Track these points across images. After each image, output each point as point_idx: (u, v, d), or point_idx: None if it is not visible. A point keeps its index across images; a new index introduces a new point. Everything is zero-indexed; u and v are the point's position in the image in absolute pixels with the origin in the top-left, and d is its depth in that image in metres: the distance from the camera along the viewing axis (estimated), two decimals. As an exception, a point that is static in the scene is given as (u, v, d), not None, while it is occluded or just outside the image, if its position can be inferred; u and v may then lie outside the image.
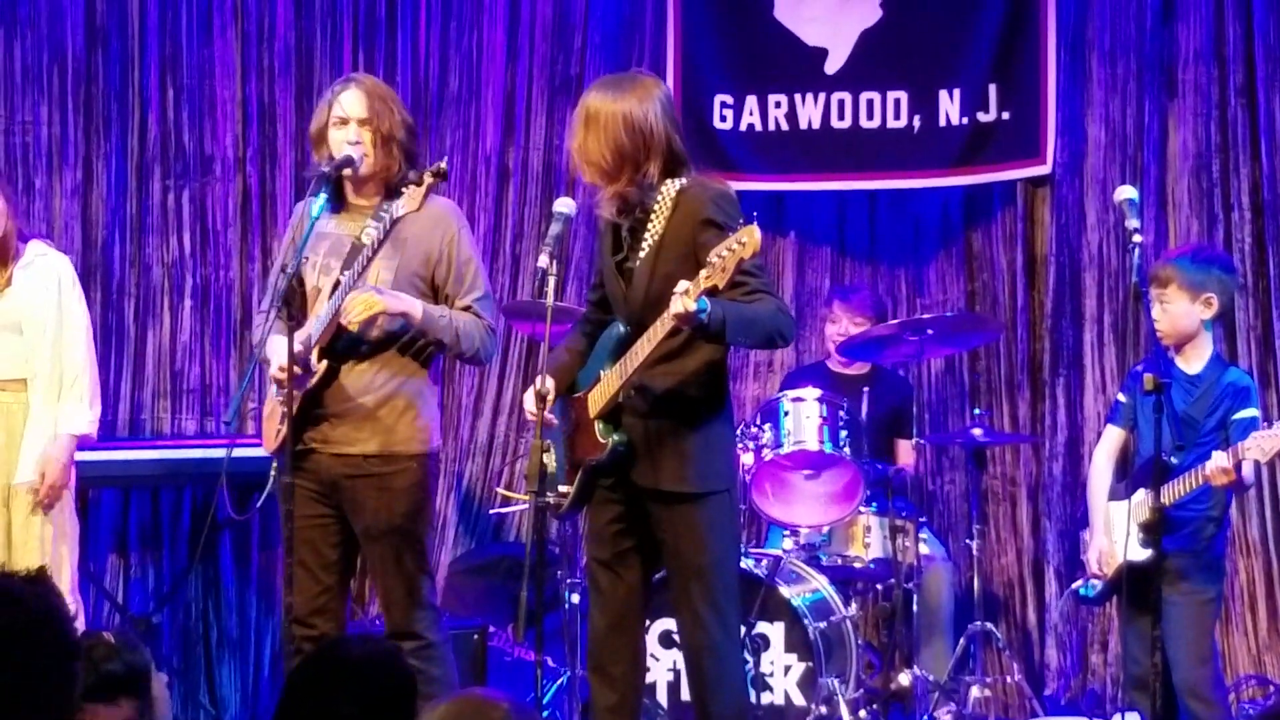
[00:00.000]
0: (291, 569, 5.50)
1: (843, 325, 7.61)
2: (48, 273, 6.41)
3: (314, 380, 5.55)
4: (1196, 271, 5.93)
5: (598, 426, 5.21)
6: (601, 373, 5.22)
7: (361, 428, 5.59)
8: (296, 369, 5.44)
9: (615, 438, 5.18)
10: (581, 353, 5.41)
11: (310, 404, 5.59)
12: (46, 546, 6.30)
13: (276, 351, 5.48)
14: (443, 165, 5.35)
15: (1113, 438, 6.28)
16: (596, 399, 5.21)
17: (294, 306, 5.41)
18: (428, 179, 5.34)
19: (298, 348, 5.44)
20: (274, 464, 5.62)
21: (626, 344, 5.16)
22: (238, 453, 5.95)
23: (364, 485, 5.58)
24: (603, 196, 5.21)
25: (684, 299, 4.81)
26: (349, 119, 5.61)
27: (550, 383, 5.12)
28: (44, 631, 3.08)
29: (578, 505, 5.32)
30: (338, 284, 5.50)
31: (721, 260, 4.77)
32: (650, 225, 5.17)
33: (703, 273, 4.81)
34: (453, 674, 5.69)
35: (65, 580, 6.33)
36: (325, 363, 5.54)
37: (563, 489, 5.30)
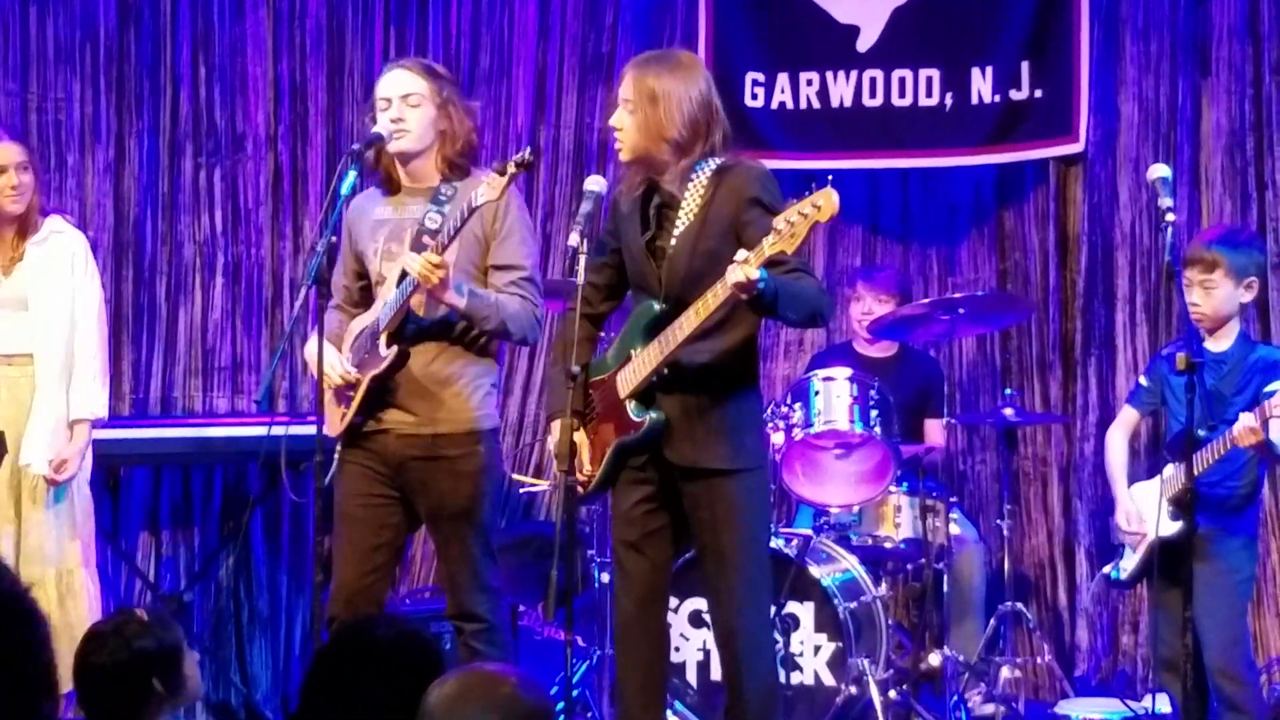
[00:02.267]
0: (323, 548, 5.51)
1: (867, 304, 7.59)
2: (61, 251, 6.41)
3: (383, 368, 5.54)
4: (1241, 256, 5.91)
5: (630, 406, 5.20)
6: (632, 352, 5.21)
7: (430, 409, 5.59)
8: (365, 355, 5.53)
9: (652, 415, 5.17)
10: (590, 338, 5.39)
11: (379, 386, 5.59)
12: (59, 524, 6.32)
13: (342, 340, 5.56)
14: (527, 154, 5.26)
15: (1129, 418, 6.31)
16: (629, 378, 5.20)
17: (327, 285, 5.42)
18: (511, 168, 5.25)
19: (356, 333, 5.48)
20: (337, 446, 5.65)
21: (662, 322, 5.14)
22: (274, 431, 5.97)
23: (432, 467, 5.58)
24: (632, 178, 5.21)
25: (745, 268, 4.81)
26: (391, 99, 5.62)
27: (575, 368, 5.11)
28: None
29: (604, 487, 5.31)
30: (405, 273, 5.48)
31: (791, 226, 4.78)
32: (684, 203, 5.17)
33: (767, 239, 4.81)
34: (511, 658, 5.70)
35: (75, 557, 6.35)
36: (395, 348, 5.53)
37: (586, 472, 5.30)
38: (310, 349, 5.55)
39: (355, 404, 5.59)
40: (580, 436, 5.22)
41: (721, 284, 4.89)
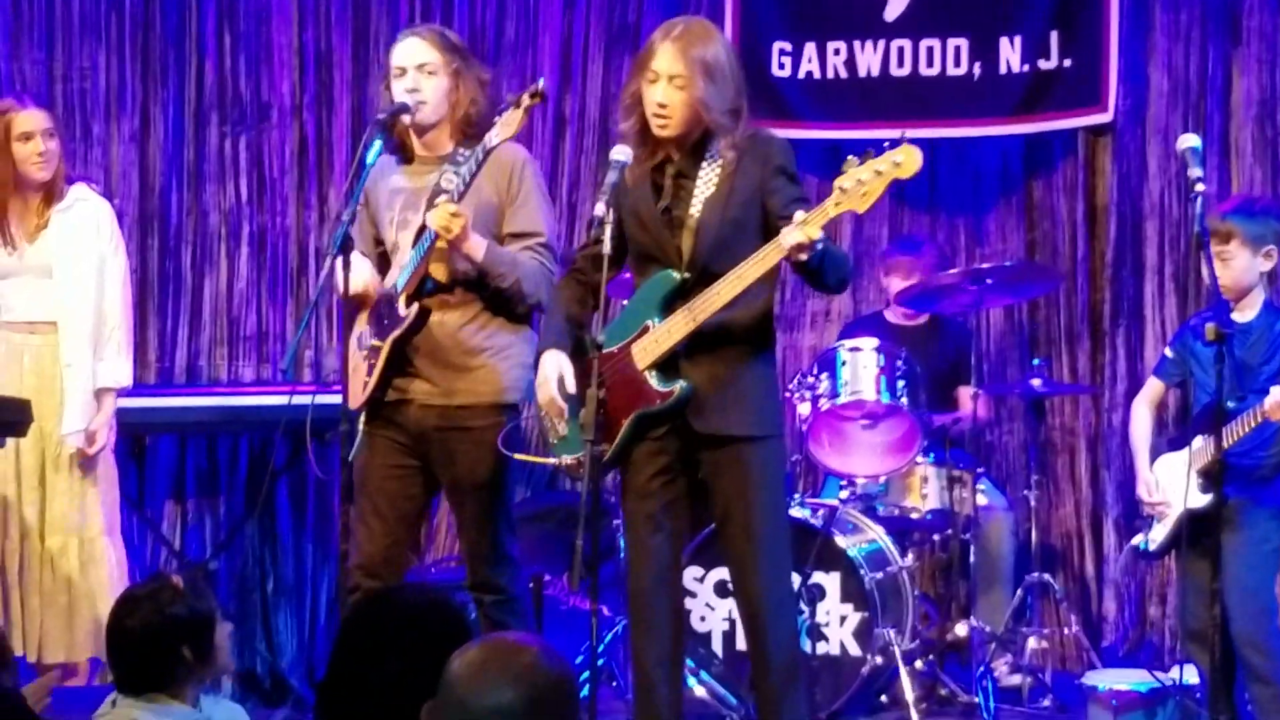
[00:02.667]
0: (348, 517, 5.51)
1: (906, 273, 7.53)
2: (85, 219, 6.42)
3: (404, 327, 5.52)
4: (1257, 225, 5.88)
5: (650, 376, 5.18)
6: (649, 323, 5.19)
7: (454, 379, 5.57)
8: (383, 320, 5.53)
9: (682, 384, 5.15)
10: (587, 307, 5.34)
11: (401, 355, 5.57)
12: (83, 491, 6.35)
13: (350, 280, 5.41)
14: (540, 86, 5.24)
15: (1154, 390, 6.30)
16: (649, 349, 5.17)
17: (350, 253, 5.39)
18: (526, 100, 5.25)
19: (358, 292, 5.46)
20: (361, 418, 5.63)
21: (684, 291, 5.13)
22: (296, 400, 5.98)
23: (455, 437, 5.57)
24: (649, 147, 5.18)
25: (805, 228, 4.83)
26: (406, 68, 5.58)
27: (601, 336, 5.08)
28: None
29: (618, 460, 5.28)
30: (423, 229, 5.46)
31: (861, 185, 4.81)
32: (702, 173, 5.15)
33: (830, 200, 4.86)
34: (530, 628, 5.70)
35: (98, 524, 6.37)
36: (416, 306, 5.50)
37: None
38: None
39: (378, 371, 5.56)
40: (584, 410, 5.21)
41: (774, 246, 4.91)
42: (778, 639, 5.22)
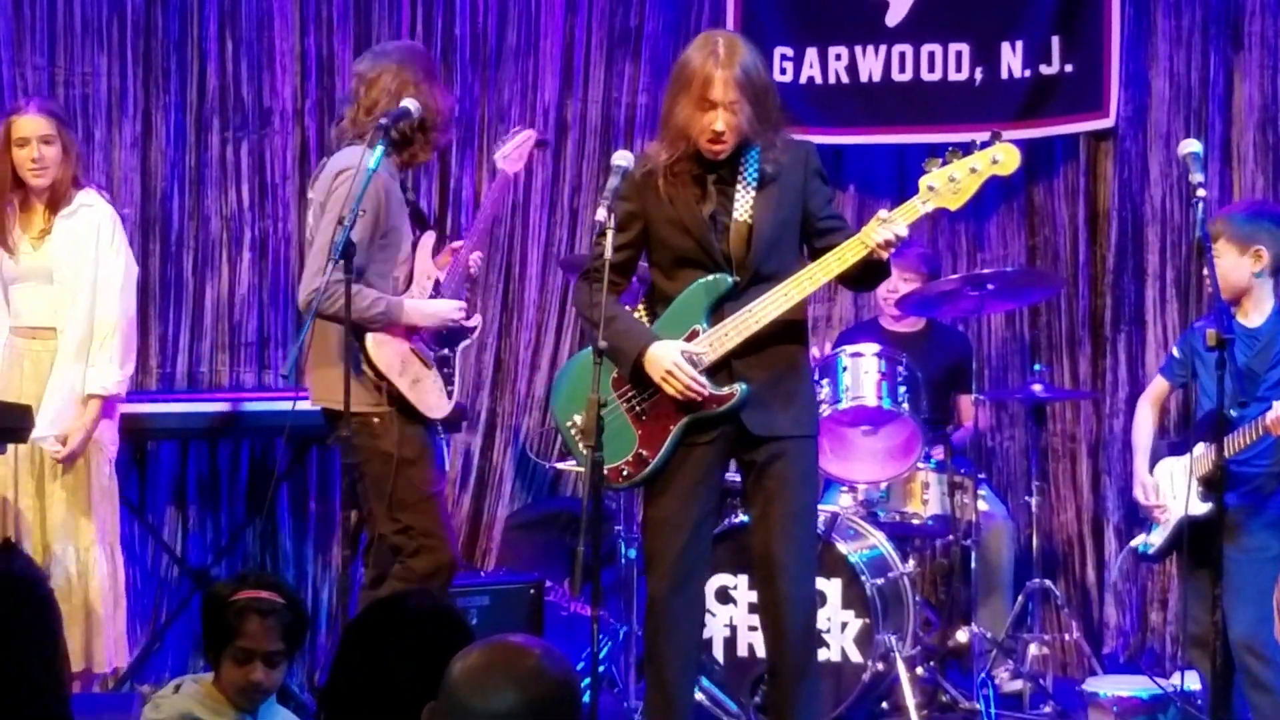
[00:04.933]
0: (349, 522, 5.53)
1: (893, 281, 7.55)
2: (88, 224, 6.39)
3: (474, 336, 6.01)
4: (1244, 224, 5.91)
5: (704, 380, 5.23)
6: (698, 327, 5.23)
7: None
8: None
9: (741, 386, 5.22)
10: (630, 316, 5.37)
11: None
12: (74, 500, 6.32)
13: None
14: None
15: (1159, 388, 6.35)
16: (706, 353, 5.23)
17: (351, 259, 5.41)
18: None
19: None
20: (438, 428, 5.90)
21: (738, 294, 5.21)
22: (298, 406, 6.01)
23: None
24: (680, 154, 5.21)
25: (893, 226, 5.02)
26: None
27: (673, 346, 5.18)
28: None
29: (664, 462, 5.31)
30: (441, 242, 5.96)
31: (954, 183, 4.96)
32: (742, 177, 5.19)
33: (917, 198, 5.10)
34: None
35: (91, 534, 6.34)
36: (478, 315, 5.93)
37: (632, 456, 5.30)
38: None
39: (457, 378, 5.95)
40: (621, 421, 5.23)
41: (858, 244, 5.07)
42: (804, 635, 5.32)
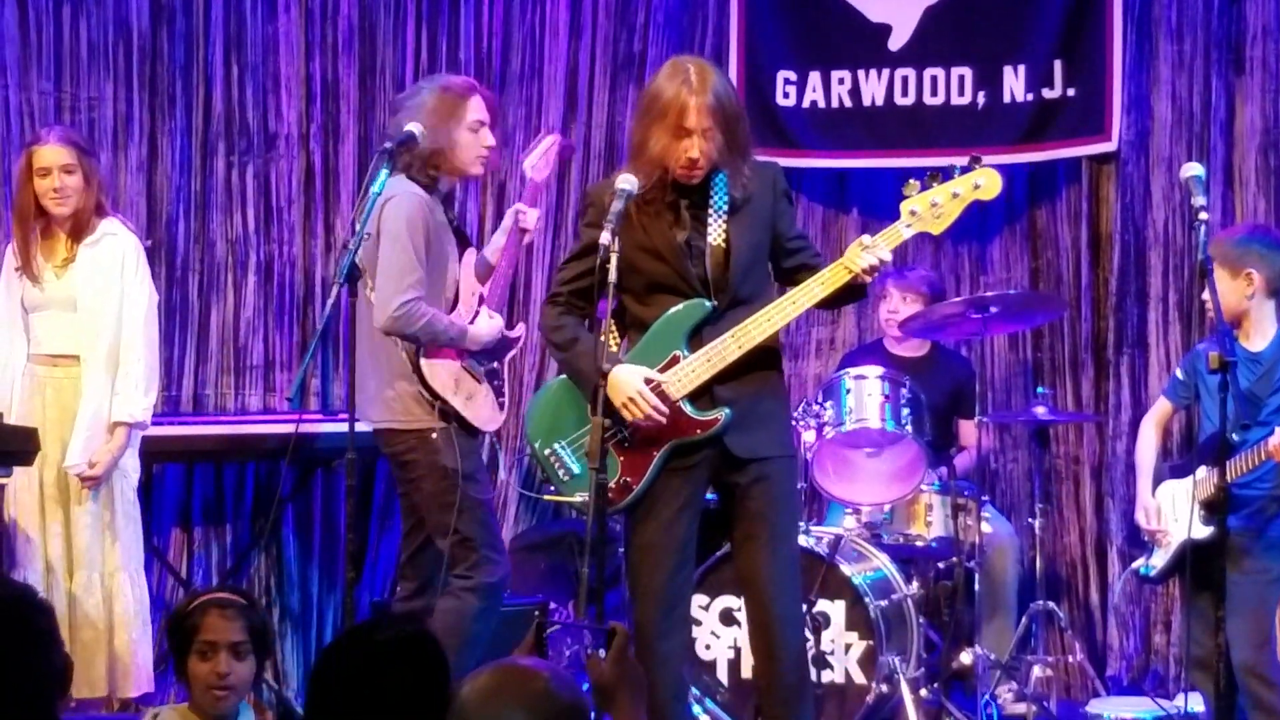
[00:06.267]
0: (354, 545, 5.57)
1: (894, 303, 7.58)
2: (112, 253, 6.44)
3: (519, 347, 6.27)
4: (1235, 248, 5.95)
5: (686, 406, 5.24)
6: (678, 353, 5.24)
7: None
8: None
9: (725, 411, 5.24)
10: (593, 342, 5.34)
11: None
12: (99, 526, 6.35)
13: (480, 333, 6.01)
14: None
15: (1163, 409, 6.38)
16: (685, 379, 5.25)
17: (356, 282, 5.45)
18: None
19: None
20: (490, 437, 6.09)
21: (717, 319, 5.22)
22: (303, 429, 6.07)
23: None
24: (653, 180, 5.22)
25: (877, 250, 5.08)
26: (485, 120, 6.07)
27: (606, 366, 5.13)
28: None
29: (648, 488, 5.31)
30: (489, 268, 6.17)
31: (936, 208, 4.95)
32: (713, 201, 5.21)
33: (900, 223, 5.14)
34: None
35: (117, 559, 6.37)
36: (521, 325, 6.19)
37: (615, 483, 5.30)
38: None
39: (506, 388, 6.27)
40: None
41: (840, 269, 5.12)
42: (792, 655, 5.33)
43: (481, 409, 6.02)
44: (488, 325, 6.00)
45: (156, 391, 6.60)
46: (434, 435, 5.88)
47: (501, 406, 6.12)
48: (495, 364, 6.11)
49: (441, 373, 5.93)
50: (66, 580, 6.31)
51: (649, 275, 5.30)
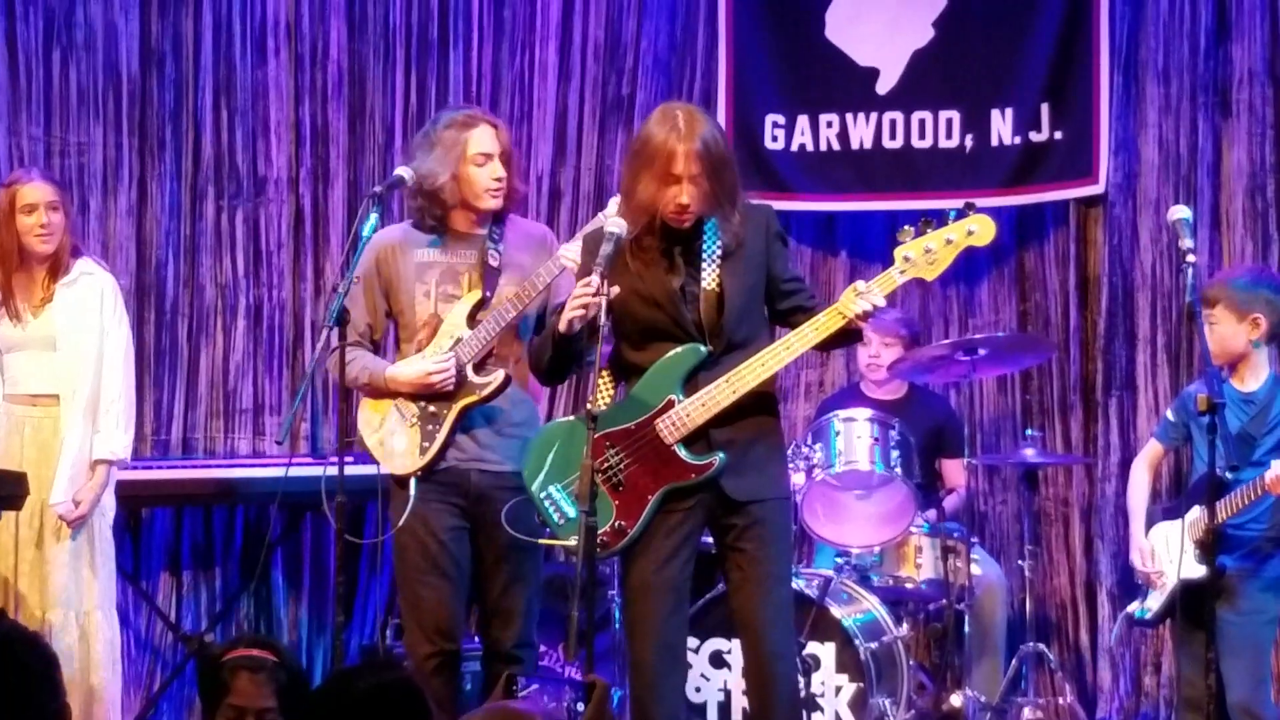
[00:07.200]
0: (344, 588, 5.55)
1: (874, 348, 7.56)
2: (90, 292, 6.46)
3: (485, 393, 5.79)
4: (1243, 292, 5.94)
5: (680, 450, 5.24)
6: (673, 398, 5.24)
7: (506, 445, 5.84)
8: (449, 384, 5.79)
9: (720, 456, 5.23)
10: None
11: (463, 421, 5.82)
12: (77, 564, 6.35)
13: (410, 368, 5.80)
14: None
15: (1154, 451, 6.38)
16: (680, 423, 5.24)
17: (346, 325, 5.45)
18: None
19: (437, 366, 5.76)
20: (412, 483, 5.82)
21: (707, 364, 5.23)
22: (292, 472, 6.04)
23: (507, 498, 5.73)
24: (644, 227, 5.24)
25: (871, 296, 5.07)
26: (491, 155, 5.86)
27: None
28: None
29: (642, 532, 5.31)
30: (480, 304, 5.81)
31: (929, 254, 5.01)
32: (705, 246, 5.23)
33: (894, 269, 5.13)
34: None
35: (93, 598, 6.37)
36: (501, 373, 5.78)
37: (610, 527, 5.29)
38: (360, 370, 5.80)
39: (443, 435, 5.79)
40: (597, 491, 5.22)
41: (834, 314, 5.12)
42: (786, 697, 5.31)
43: (393, 451, 5.86)
44: (409, 369, 5.80)
45: (133, 430, 6.60)
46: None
47: (423, 451, 5.82)
48: (434, 409, 5.82)
49: (367, 409, 5.93)
50: (38, 616, 6.30)
51: (644, 321, 5.30)
